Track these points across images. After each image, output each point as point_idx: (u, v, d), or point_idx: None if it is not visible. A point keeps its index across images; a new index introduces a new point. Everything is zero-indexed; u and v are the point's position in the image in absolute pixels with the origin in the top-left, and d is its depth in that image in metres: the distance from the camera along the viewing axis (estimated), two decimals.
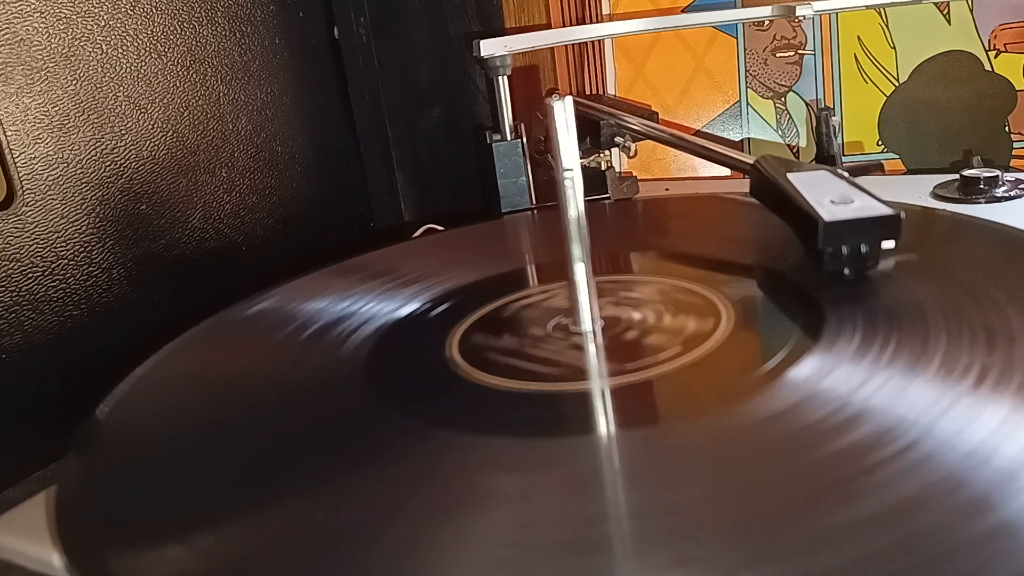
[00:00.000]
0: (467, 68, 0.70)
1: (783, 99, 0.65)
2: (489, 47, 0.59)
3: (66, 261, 0.48)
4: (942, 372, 0.28)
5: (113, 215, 0.50)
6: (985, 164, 0.56)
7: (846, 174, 0.40)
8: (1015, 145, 0.58)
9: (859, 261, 0.35)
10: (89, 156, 0.49)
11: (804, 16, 0.58)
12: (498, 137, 0.60)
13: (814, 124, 0.62)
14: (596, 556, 0.22)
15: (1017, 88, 0.58)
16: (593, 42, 0.68)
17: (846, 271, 0.36)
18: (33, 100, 0.46)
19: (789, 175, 0.40)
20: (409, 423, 0.31)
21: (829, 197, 0.37)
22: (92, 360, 0.48)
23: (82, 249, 0.49)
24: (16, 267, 0.46)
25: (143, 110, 0.52)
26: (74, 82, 0.48)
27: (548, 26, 0.67)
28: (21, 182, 0.46)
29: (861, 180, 0.39)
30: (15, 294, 0.46)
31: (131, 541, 0.26)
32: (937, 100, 0.60)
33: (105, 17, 0.50)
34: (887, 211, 0.35)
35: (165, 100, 0.54)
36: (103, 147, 0.50)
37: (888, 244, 0.35)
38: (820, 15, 0.61)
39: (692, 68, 0.67)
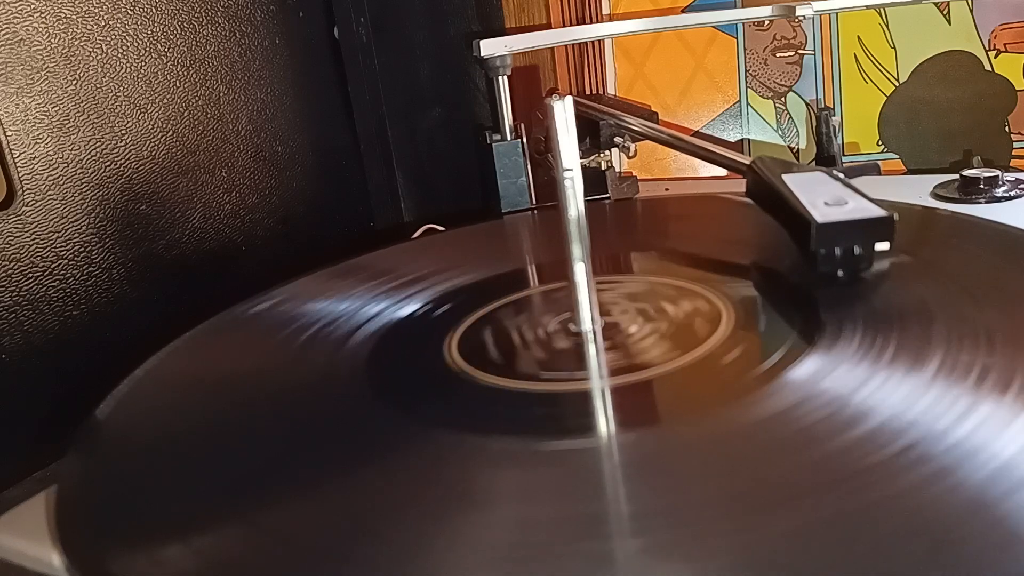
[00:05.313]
0: (467, 68, 0.70)
1: (783, 99, 0.65)
2: (489, 47, 0.59)
3: (66, 261, 0.48)
4: (942, 372, 0.28)
5: (113, 215, 0.50)
6: (985, 164, 0.56)
7: (841, 175, 0.40)
8: (1015, 145, 0.58)
9: (853, 262, 0.35)
10: (89, 156, 0.49)
11: (804, 16, 0.58)
12: (498, 137, 0.60)
13: (814, 124, 0.62)
14: (596, 556, 0.22)
15: (1017, 88, 0.58)
16: (593, 42, 0.68)
17: (840, 272, 0.35)
18: (33, 100, 0.46)
19: (784, 176, 0.40)
20: (409, 423, 0.31)
21: (823, 199, 0.37)
22: (92, 360, 0.48)
23: (82, 249, 0.49)
24: (16, 267, 0.46)
25: (143, 110, 0.52)
26: (74, 82, 0.48)
27: (548, 26, 0.67)
28: (21, 182, 0.46)
29: (858, 181, 0.39)
30: (15, 294, 0.46)
31: (131, 541, 0.26)
32: (937, 100, 0.60)
33: (105, 17, 0.50)
34: (880, 213, 0.35)
35: (165, 100, 0.54)
36: (103, 147, 0.50)
37: (882, 246, 0.35)
38: (820, 15, 0.61)
39: (692, 68, 0.67)
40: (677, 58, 0.67)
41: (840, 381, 0.28)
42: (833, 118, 0.59)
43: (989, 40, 0.58)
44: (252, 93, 0.60)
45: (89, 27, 0.49)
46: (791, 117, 0.65)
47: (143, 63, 0.52)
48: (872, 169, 0.54)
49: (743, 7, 0.63)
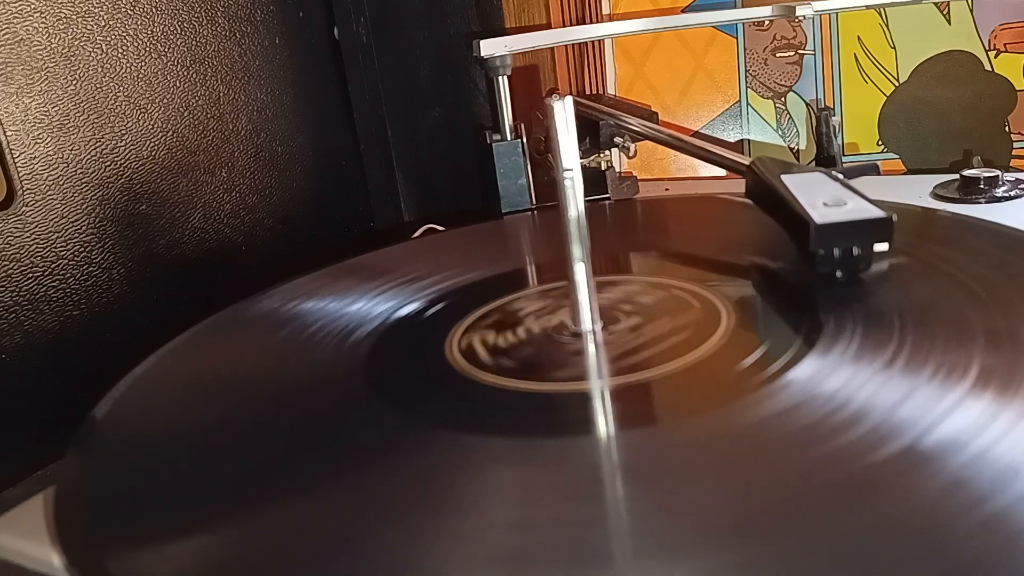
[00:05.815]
0: (467, 68, 0.70)
1: (783, 99, 0.65)
2: (489, 47, 0.59)
3: (66, 261, 0.48)
4: (941, 373, 0.28)
5: (113, 215, 0.50)
6: (985, 164, 0.56)
7: (841, 176, 0.40)
8: (1015, 145, 0.58)
9: (852, 263, 0.35)
10: (89, 156, 0.49)
11: (804, 16, 0.58)
12: (498, 137, 0.60)
13: (814, 124, 0.62)
14: (595, 556, 0.22)
15: (1017, 88, 0.58)
16: (593, 42, 0.68)
17: (839, 273, 0.35)
18: (33, 100, 0.46)
19: (783, 177, 0.40)
20: (409, 423, 0.31)
21: (822, 199, 0.37)
22: (92, 360, 0.48)
23: (82, 249, 0.49)
24: (16, 267, 0.46)
25: (143, 110, 0.52)
26: (74, 82, 0.48)
27: (548, 26, 0.67)
28: (21, 182, 0.46)
29: (858, 182, 0.39)
30: (15, 294, 0.46)
31: (131, 541, 0.26)
32: (937, 100, 0.60)
33: (105, 17, 0.50)
34: (879, 213, 0.35)
35: (165, 100, 0.54)
36: (103, 147, 0.50)
37: (881, 247, 0.35)
38: (820, 15, 0.61)
39: (692, 68, 0.67)
40: (677, 58, 0.67)
41: (839, 382, 0.28)
42: (833, 118, 0.59)
43: (989, 40, 0.58)
44: (252, 93, 0.60)
45: (89, 27, 0.49)
46: (791, 117, 0.65)
47: (143, 63, 0.52)
48: (871, 169, 0.54)
49: (743, 7, 0.63)
